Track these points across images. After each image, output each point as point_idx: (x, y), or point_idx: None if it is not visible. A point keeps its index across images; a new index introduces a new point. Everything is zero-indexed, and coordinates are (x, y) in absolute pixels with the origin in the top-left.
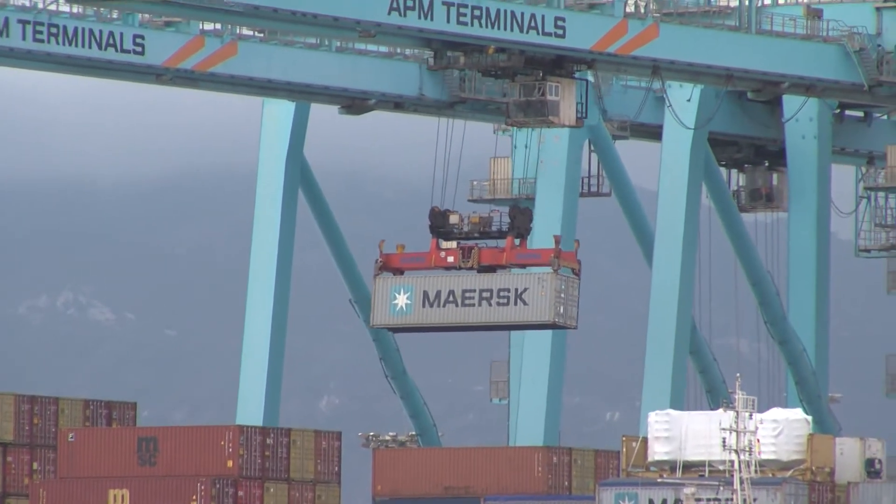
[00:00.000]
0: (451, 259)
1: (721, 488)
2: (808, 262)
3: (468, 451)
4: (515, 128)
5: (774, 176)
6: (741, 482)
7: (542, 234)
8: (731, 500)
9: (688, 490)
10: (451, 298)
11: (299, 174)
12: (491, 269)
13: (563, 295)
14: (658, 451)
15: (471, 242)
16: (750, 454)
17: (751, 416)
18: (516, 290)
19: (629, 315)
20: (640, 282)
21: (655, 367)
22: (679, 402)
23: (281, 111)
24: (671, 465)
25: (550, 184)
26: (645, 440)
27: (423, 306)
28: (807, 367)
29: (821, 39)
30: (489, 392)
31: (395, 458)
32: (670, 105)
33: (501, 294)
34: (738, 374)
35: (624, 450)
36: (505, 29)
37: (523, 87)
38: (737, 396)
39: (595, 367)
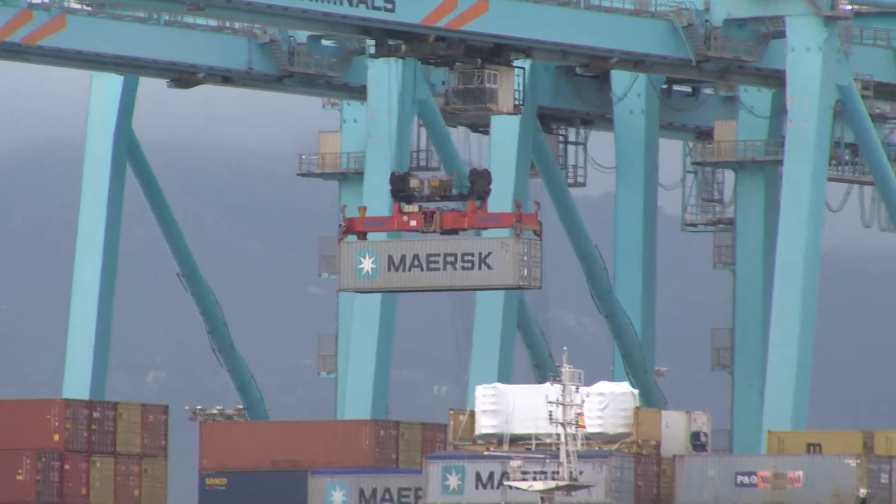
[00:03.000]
0: (413, 223)
1: (547, 461)
2: (634, 236)
3: (295, 424)
4: (344, 101)
5: None
6: (567, 455)
7: (376, 206)
8: (558, 473)
9: (514, 463)
10: (416, 263)
11: (127, 148)
12: (453, 232)
13: (525, 258)
14: (485, 424)
15: (432, 206)
16: (576, 427)
17: (577, 389)
18: (480, 254)
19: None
20: None
21: (483, 341)
22: (506, 375)
23: (109, 85)
24: (498, 439)
25: (379, 158)
26: (472, 414)
27: (389, 270)
28: (633, 340)
29: (649, 15)
30: (317, 366)
31: (222, 432)
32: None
33: (465, 258)
34: (564, 348)
35: (451, 423)
36: (334, 3)
37: (462, 76)
38: (563, 370)
39: (422, 341)
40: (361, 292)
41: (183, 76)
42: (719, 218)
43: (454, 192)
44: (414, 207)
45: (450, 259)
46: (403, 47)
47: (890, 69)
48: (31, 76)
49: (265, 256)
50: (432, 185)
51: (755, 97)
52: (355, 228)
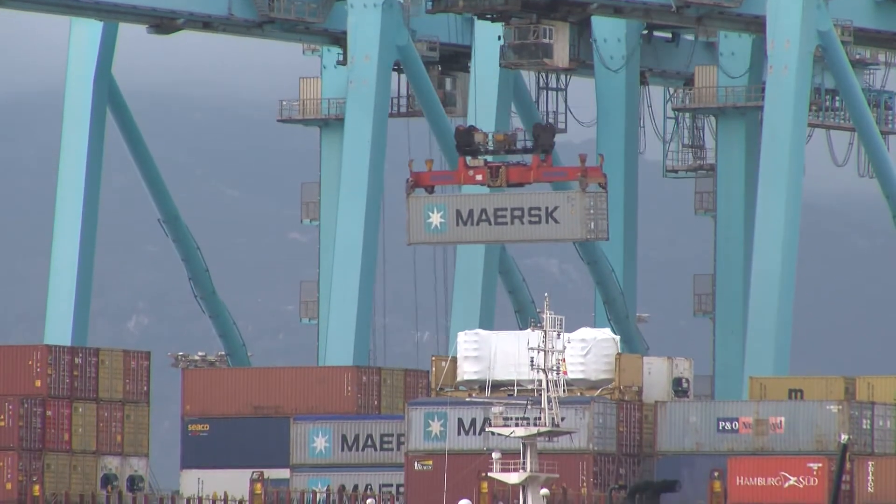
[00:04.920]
0: (479, 177)
1: (529, 407)
2: (616, 181)
3: (278, 370)
4: (324, 47)
5: (447, 80)
6: (549, 401)
7: (357, 152)
8: (540, 419)
9: (496, 409)
10: (483, 217)
11: (107, 94)
12: (519, 186)
13: (592, 211)
14: (467, 370)
15: (497, 160)
16: (558, 373)
17: (559, 335)
18: (547, 208)
19: None
20: None
21: (465, 287)
22: (488, 322)
23: (88, 31)
24: (480, 385)
25: (360, 104)
26: (454, 360)
27: (457, 225)
28: (615, 287)
29: None
30: (299, 312)
31: (204, 378)
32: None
33: (532, 212)
34: (546, 294)
35: (433, 369)
36: None
37: (518, 30)
38: (545, 316)
39: (404, 287)
40: (431, 245)
41: (163, 22)
42: (700, 164)
43: (519, 146)
44: (479, 162)
45: (517, 213)
46: (461, 3)
47: (870, 15)
48: (9, 23)
49: (246, 203)
50: (497, 140)
51: (735, 43)
52: (423, 182)
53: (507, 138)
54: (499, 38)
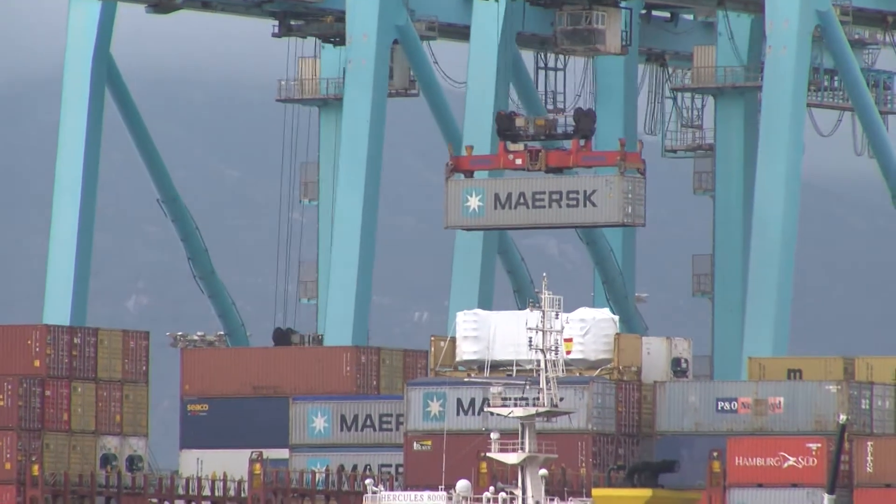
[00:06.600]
0: (518, 161)
1: (528, 387)
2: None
3: (277, 350)
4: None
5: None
6: (547, 381)
7: (353, 134)
8: (538, 399)
9: (494, 390)
10: (521, 200)
11: (106, 74)
12: (558, 170)
13: (630, 195)
14: (466, 350)
15: (537, 145)
16: (556, 353)
17: (557, 315)
18: (585, 192)
19: (437, 214)
20: None
21: (463, 267)
22: (487, 302)
23: (87, 10)
24: (479, 365)
25: (359, 84)
26: (453, 340)
27: (495, 208)
28: (614, 267)
29: None
30: (298, 292)
31: (203, 358)
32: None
33: (570, 196)
34: (544, 274)
35: (432, 349)
36: None
37: (570, 16)
38: (543, 296)
39: (403, 267)
40: (468, 230)
41: (161, 1)
42: (699, 144)
43: (559, 131)
44: (519, 146)
45: (555, 197)
46: None
47: None
48: (8, 4)
49: (245, 183)
50: (537, 125)
51: (734, 23)
52: (462, 167)
53: (548, 123)
54: (551, 24)
